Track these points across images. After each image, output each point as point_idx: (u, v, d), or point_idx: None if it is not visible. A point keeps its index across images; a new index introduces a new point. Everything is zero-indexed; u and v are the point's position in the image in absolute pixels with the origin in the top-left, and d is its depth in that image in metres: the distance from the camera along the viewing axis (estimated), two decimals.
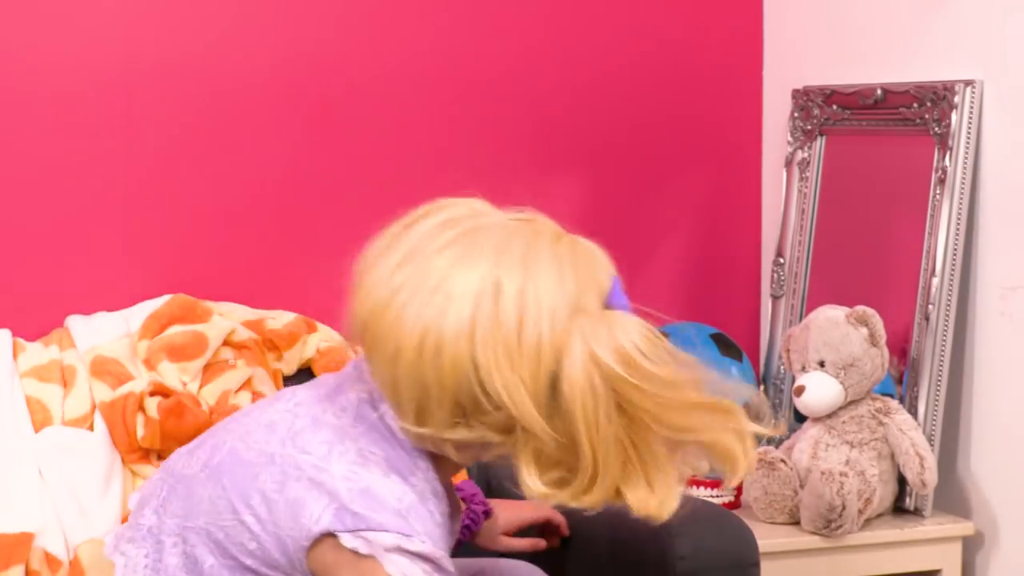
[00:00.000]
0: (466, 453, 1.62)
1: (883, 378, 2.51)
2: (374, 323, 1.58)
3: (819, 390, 2.48)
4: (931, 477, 2.43)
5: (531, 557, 2.34)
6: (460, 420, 1.57)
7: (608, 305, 1.63)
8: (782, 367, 2.82)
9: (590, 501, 1.60)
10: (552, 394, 1.55)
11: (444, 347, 1.54)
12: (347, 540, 1.58)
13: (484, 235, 1.60)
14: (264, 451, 1.64)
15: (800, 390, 2.49)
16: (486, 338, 1.54)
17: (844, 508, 2.37)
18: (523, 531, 2.20)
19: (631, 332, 1.60)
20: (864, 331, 2.48)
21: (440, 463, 1.65)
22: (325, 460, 1.61)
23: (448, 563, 1.61)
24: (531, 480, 1.58)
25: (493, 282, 1.55)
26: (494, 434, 1.57)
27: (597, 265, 1.65)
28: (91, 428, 2.31)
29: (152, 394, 2.31)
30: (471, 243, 1.59)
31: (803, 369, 2.52)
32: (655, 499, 1.62)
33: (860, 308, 2.48)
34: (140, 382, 2.33)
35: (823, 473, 2.37)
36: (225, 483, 1.65)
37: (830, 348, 2.47)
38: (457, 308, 1.54)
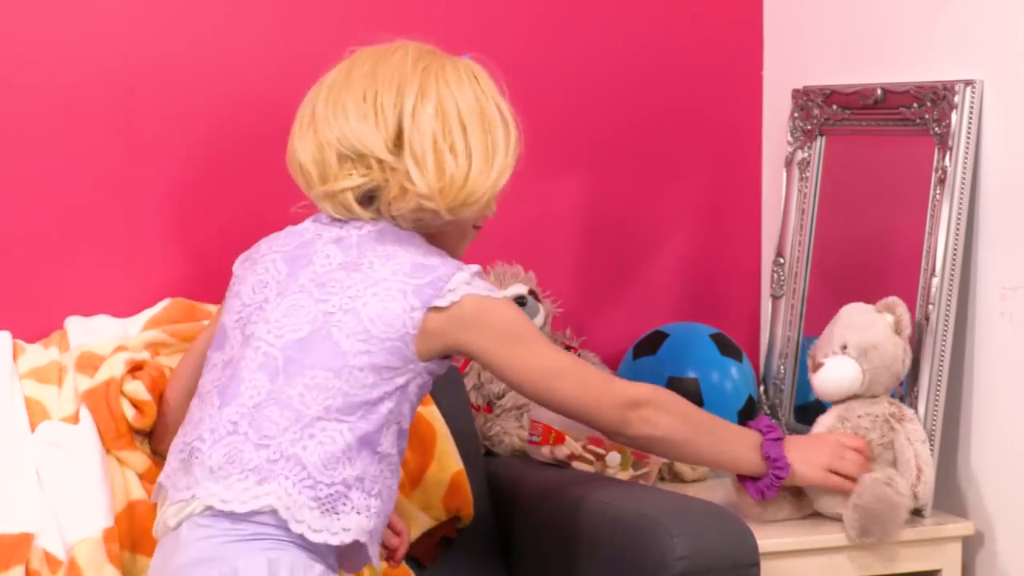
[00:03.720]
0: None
1: (903, 375, 2.49)
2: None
3: (837, 369, 2.46)
4: (925, 491, 2.42)
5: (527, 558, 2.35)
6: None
7: None
8: (782, 367, 2.82)
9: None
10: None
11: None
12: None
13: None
14: None
15: (818, 366, 2.48)
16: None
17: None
18: None
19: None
20: (890, 318, 2.47)
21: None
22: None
23: None
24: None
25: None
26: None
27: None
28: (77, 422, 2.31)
29: (131, 372, 2.31)
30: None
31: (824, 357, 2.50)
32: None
33: (891, 298, 2.48)
34: (117, 364, 2.31)
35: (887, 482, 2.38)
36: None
37: (853, 331, 2.45)
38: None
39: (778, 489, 2.32)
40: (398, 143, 2.07)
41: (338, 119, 2.09)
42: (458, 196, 2.07)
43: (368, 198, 2.11)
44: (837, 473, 2.35)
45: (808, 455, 2.33)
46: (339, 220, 2.13)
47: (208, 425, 2.04)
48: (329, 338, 2.03)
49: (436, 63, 2.12)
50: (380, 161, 2.07)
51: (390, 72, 2.10)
